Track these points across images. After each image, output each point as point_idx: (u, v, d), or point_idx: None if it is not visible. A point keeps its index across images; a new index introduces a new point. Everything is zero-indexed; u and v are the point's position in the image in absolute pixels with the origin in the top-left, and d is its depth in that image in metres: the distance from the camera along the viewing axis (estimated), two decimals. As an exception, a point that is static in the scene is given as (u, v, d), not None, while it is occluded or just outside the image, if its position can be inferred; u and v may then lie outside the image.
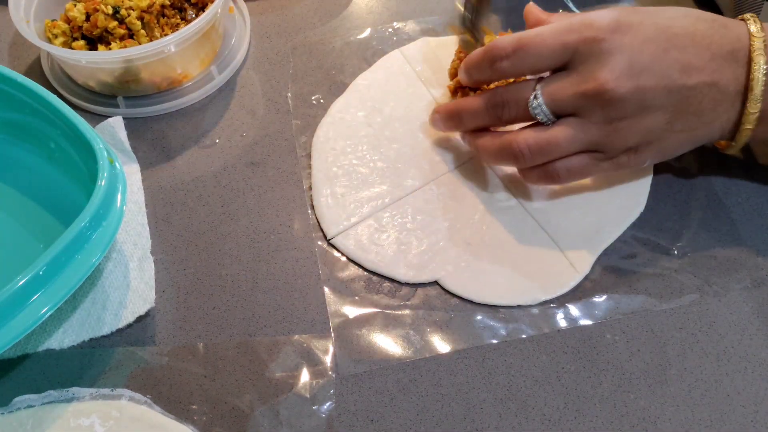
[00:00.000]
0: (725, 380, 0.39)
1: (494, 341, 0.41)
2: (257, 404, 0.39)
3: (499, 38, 0.41)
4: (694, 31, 0.39)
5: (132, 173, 0.48)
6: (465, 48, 0.49)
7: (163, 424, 0.38)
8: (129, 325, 0.41)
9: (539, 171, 0.42)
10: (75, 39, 0.51)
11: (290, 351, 0.41)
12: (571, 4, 0.58)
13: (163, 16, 0.52)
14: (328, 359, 0.40)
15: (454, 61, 0.51)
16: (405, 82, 0.53)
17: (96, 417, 0.37)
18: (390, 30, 0.57)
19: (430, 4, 0.59)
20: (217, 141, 0.51)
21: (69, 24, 0.51)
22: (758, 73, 0.38)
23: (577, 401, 0.39)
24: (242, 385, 0.39)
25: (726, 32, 0.39)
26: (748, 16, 0.40)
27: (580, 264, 0.43)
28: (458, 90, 0.49)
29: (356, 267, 0.44)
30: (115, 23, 0.50)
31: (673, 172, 0.48)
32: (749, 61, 0.38)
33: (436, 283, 0.43)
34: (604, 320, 0.42)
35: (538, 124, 0.41)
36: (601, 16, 0.39)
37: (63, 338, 0.41)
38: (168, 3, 0.52)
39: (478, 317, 0.42)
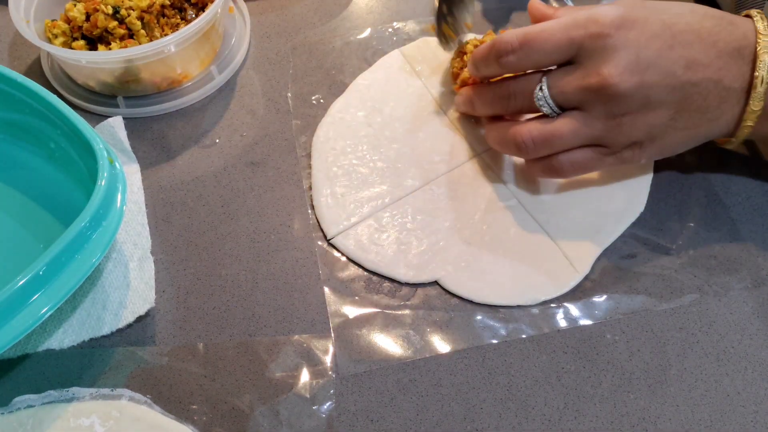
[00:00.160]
0: (725, 380, 0.39)
1: (494, 341, 0.41)
2: (257, 404, 0.39)
3: (505, 33, 0.41)
4: (700, 27, 0.39)
5: (132, 173, 0.48)
6: (441, 43, 0.50)
7: (163, 424, 0.38)
8: (129, 325, 0.41)
9: (543, 164, 0.43)
10: (75, 39, 0.51)
11: (290, 351, 0.41)
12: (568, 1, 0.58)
13: (163, 16, 0.52)
14: (328, 359, 0.40)
15: (453, 60, 0.51)
16: (405, 82, 0.53)
17: (96, 417, 0.37)
18: (390, 30, 0.57)
19: (430, 4, 0.59)
20: (217, 141, 0.51)
21: (69, 24, 0.51)
22: (762, 71, 0.38)
23: (577, 401, 0.39)
24: (242, 385, 0.39)
25: (733, 29, 0.39)
26: (754, 12, 0.40)
27: (580, 264, 0.43)
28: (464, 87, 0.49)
29: (356, 267, 0.44)
30: (115, 23, 0.50)
31: (673, 172, 0.48)
32: (755, 59, 0.38)
33: (436, 283, 0.43)
34: (604, 320, 0.42)
35: (543, 116, 0.42)
36: (607, 11, 0.39)
37: (63, 338, 0.41)
38: (168, 3, 0.52)
39: (478, 317, 0.42)
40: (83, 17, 0.50)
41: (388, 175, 0.48)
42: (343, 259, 0.44)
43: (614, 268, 0.44)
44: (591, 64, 0.39)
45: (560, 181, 0.47)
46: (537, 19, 0.44)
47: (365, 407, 0.39)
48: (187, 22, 0.53)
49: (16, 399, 0.38)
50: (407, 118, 0.51)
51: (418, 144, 0.49)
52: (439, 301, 0.43)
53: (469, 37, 0.54)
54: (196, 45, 0.51)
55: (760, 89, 0.38)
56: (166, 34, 0.52)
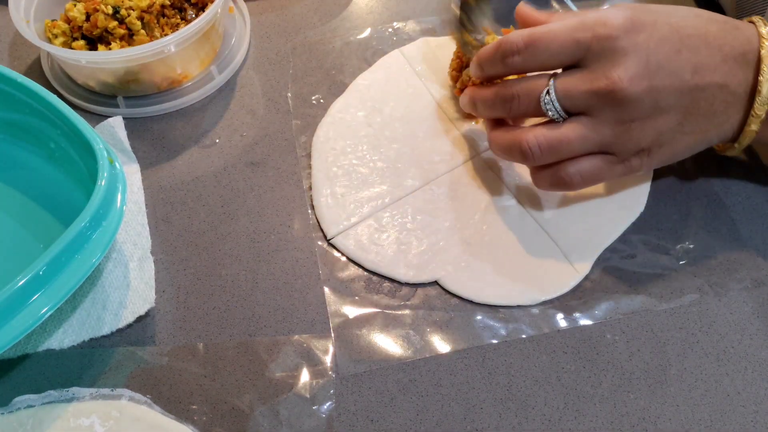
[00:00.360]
0: (725, 380, 0.39)
1: (494, 341, 0.41)
2: (257, 404, 0.39)
3: (511, 33, 0.41)
4: (706, 32, 0.39)
5: (132, 173, 0.48)
6: (465, 51, 0.49)
7: (163, 424, 0.38)
8: (129, 325, 0.41)
9: (551, 175, 0.41)
10: (75, 39, 0.51)
11: (290, 351, 0.41)
12: (569, 2, 0.58)
13: (163, 16, 0.53)
14: (328, 359, 0.40)
15: (453, 60, 0.51)
16: (405, 82, 0.53)
17: (96, 417, 0.37)
18: (390, 30, 0.57)
19: (430, 4, 0.59)
20: (217, 141, 0.51)
21: (69, 24, 0.51)
22: (766, 76, 0.38)
23: (577, 401, 0.39)
24: (242, 385, 0.39)
25: (737, 34, 0.39)
26: (757, 18, 0.40)
27: (580, 264, 0.43)
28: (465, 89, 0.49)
29: (356, 267, 0.44)
30: (115, 23, 0.50)
31: (673, 173, 0.48)
32: (758, 63, 0.38)
33: (436, 283, 0.43)
34: (604, 320, 0.42)
35: (549, 121, 0.41)
36: (614, 14, 0.38)
37: (63, 338, 0.41)
38: (168, 3, 0.52)
39: (478, 317, 0.42)
40: (83, 17, 0.50)
41: (388, 175, 0.48)
42: (343, 259, 0.44)
43: (614, 268, 0.44)
44: (599, 67, 0.38)
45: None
46: (526, 25, 0.43)
47: (365, 407, 0.39)
48: (187, 22, 0.53)
49: (16, 399, 0.38)
50: (407, 118, 0.51)
51: (418, 144, 0.49)
52: (439, 301, 0.43)
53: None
54: (196, 45, 0.51)
55: (764, 94, 0.38)
56: (166, 34, 0.52)
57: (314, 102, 0.52)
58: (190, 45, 0.51)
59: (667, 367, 0.40)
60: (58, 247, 0.35)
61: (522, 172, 0.47)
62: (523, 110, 0.41)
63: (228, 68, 0.54)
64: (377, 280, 0.44)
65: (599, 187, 0.46)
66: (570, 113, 0.40)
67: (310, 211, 0.47)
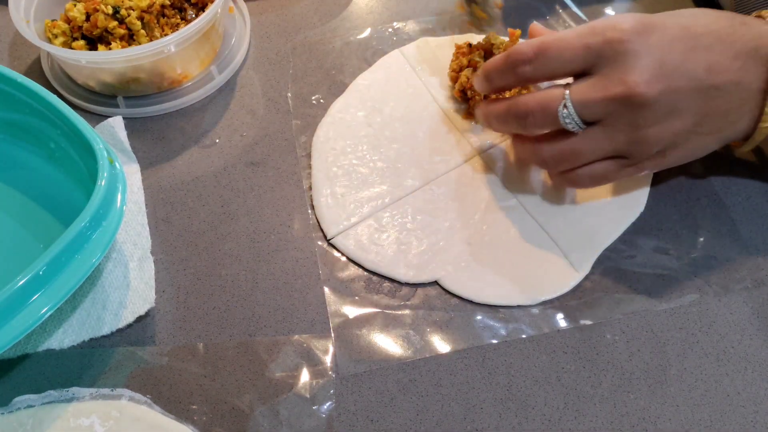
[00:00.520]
0: (725, 380, 0.39)
1: (494, 341, 0.41)
2: (257, 404, 0.39)
3: (520, 43, 0.40)
4: (716, 29, 0.38)
5: (132, 173, 0.48)
6: (477, 28, 0.48)
7: (163, 424, 0.38)
8: (129, 325, 0.41)
9: (564, 177, 0.42)
10: (75, 39, 0.51)
11: (290, 351, 0.41)
12: (571, 4, 0.58)
13: (163, 16, 0.52)
14: (328, 359, 0.40)
15: (452, 61, 0.51)
16: (405, 82, 0.53)
17: (96, 417, 0.37)
18: (390, 30, 0.57)
19: (430, 4, 0.59)
20: (217, 141, 0.51)
21: (69, 24, 0.51)
22: None
23: (577, 401, 0.39)
24: (242, 385, 0.39)
25: (747, 29, 0.38)
26: (765, 12, 0.40)
27: (580, 264, 0.43)
28: (465, 92, 0.50)
29: (356, 267, 0.44)
30: (115, 23, 0.50)
31: (674, 173, 0.48)
32: None
33: (436, 283, 0.43)
34: (604, 320, 0.42)
35: (563, 130, 0.40)
36: (624, 18, 0.38)
37: (63, 338, 0.41)
38: (168, 3, 0.52)
39: (478, 317, 0.42)
40: (83, 17, 0.50)
41: (388, 175, 0.48)
42: (343, 259, 0.44)
43: (614, 268, 0.44)
44: (613, 72, 0.37)
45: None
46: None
47: (365, 407, 0.39)
48: (187, 22, 0.53)
49: (16, 399, 0.38)
50: (407, 118, 0.51)
51: (418, 144, 0.49)
52: (439, 301, 0.43)
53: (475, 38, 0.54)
54: (196, 45, 0.51)
55: None
56: (166, 34, 0.52)
57: (314, 102, 0.52)
58: (190, 45, 0.51)
59: (667, 367, 0.40)
60: (58, 247, 0.35)
61: (522, 173, 0.47)
62: (540, 125, 0.41)
63: (228, 68, 0.54)
64: (377, 280, 0.44)
65: (599, 188, 0.46)
66: (587, 122, 0.39)
67: (310, 211, 0.47)
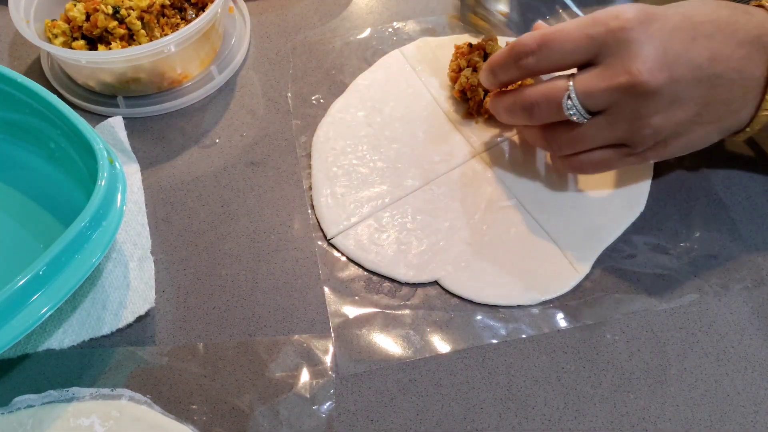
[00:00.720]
0: (725, 380, 0.39)
1: (494, 341, 0.41)
2: (257, 404, 0.39)
3: (523, 35, 0.40)
4: (717, 17, 0.38)
5: (132, 173, 0.48)
6: (473, 35, 0.48)
7: (163, 424, 0.38)
8: (129, 325, 0.41)
9: (565, 162, 0.43)
10: (75, 39, 0.51)
11: (290, 351, 0.41)
12: (571, 4, 0.58)
13: (163, 16, 0.53)
14: (328, 359, 0.40)
15: (452, 62, 0.51)
16: (405, 82, 0.53)
17: (96, 417, 0.37)
18: (390, 30, 0.57)
19: (430, 4, 0.59)
20: (217, 141, 0.51)
21: (69, 24, 0.51)
22: None
23: (577, 401, 0.39)
24: (242, 385, 0.39)
25: (749, 18, 0.38)
26: (766, 2, 0.40)
27: (580, 264, 0.43)
28: (464, 92, 0.50)
29: (356, 267, 0.44)
30: (115, 23, 0.50)
31: (674, 172, 0.48)
32: None
33: (436, 283, 0.43)
34: (604, 320, 0.41)
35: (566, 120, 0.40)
36: (625, 8, 0.38)
37: (63, 338, 0.41)
38: (168, 3, 0.52)
39: (478, 317, 0.42)
40: (83, 17, 0.50)
41: (388, 175, 0.48)
42: (343, 259, 0.44)
43: (614, 268, 0.44)
44: (617, 62, 0.37)
45: (561, 181, 0.47)
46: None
47: (365, 407, 0.39)
48: (187, 22, 0.53)
49: (16, 399, 0.38)
50: (407, 118, 0.51)
51: (418, 144, 0.49)
52: (439, 301, 0.43)
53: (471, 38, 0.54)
54: (196, 45, 0.51)
55: None
56: (166, 34, 0.52)
57: (314, 102, 0.52)
58: (190, 45, 0.51)
59: (667, 367, 0.40)
60: (58, 247, 0.35)
61: (522, 173, 0.47)
62: (545, 116, 0.41)
63: (228, 68, 0.54)
64: (377, 280, 0.44)
65: (599, 188, 0.46)
66: (591, 112, 0.39)
67: (310, 211, 0.47)
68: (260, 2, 0.59)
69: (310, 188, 0.48)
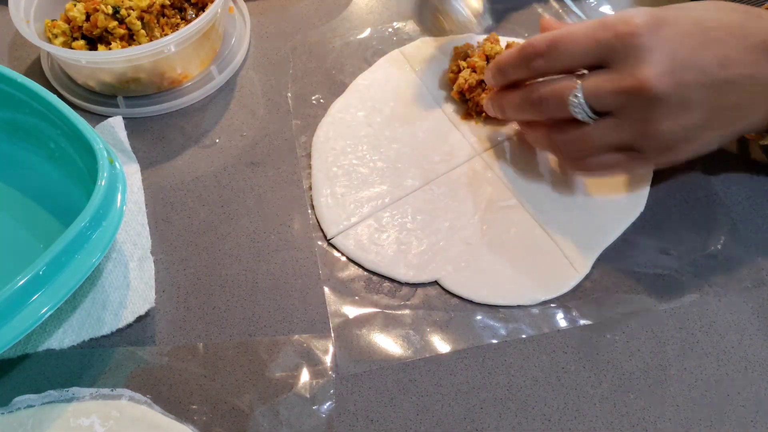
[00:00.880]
0: (725, 380, 0.39)
1: (494, 341, 0.41)
2: (257, 404, 0.39)
3: (533, 37, 0.41)
4: (729, 22, 0.38)
5: (132, 173, 0.48)
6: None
7: (163, 424, 0.38)
8: (129, 325, 0.41)
9: (572, 164, 0.43)
10: (75, 39, 0.51)
11: (290, 351, 0.41)
12: (571, 4, 0.58)
13: (163, 16, 0.52)
14: (328, 359, 0.40)
15: (452, 63, 0.51)
16: (405, 82, 0.53)
17: (96, 417, 0.37)
18: (390, 30, 0.57)
19: (430, 3, 0.59)
20: (217, 141, 0.51)
21: (69, 24, 0.51)
22: None
23: (577, 401, 0.39)
24: (242, 385, 0.39)
25: (760, 22, 0.38)
26: None
27: (580, 264, 0.43)
28: (463, 92, 0.50)
29: (356, 267, 0.44)
30: (115, 23, 0.50)
31: (674, 173, 0.48)
32: None
33: (436, 283, 0.43)
34: (604, 320, 0.41)
35: (576, 120, 0.40)
36: (635, 12, 0.38)
37: (63, 338, 0.41)
38: (168, 3, 0.52)
39: (478, 317, 0.42)
40: (83, 17, 0.50)
41: (388, 175, 0.48)
42: (343, 259, 0.44)
43: (614, 268, 0.44)
44: (625, 66, 0.37)
45: (561, 181, 0.47)
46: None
47: (365, 407, 0.39)
48: (187, 22, 0.53)
49: (16, 399, 0.38)
50: (407, 118, 0.51)
51: (418, 144, 0.49)
52: (439, 301, 0.43)
53: (470, 38, 0.54)
54: (196, 45, 0.51)
55: None
56: (166, 34, 0.52)
57: (314, 102, 0.52)
58: (190, 45, 0.51)
59: (667, 367, 0.40)
60: (58, 247, 0.35)
61: (522, 173, 0.47)
62: (551, 113, 0.41)
63: (228, 68, 0.54)
64: (377, 280, 0.44)
65: (599, 188, 0.46)
66: (598, 113, 0.39)
67: (310, 211, 0.47)
68: (260, 2, 0.59)
69: (310, 188, 0.48)
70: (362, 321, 0.42)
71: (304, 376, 0.40)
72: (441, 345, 0.41)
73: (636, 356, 0.40)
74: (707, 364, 0.40)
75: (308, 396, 0.39)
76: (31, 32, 0.49)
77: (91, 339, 0.41)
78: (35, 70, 0.55)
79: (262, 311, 0.42)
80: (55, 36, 0.51)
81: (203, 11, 0.53)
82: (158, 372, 0.40)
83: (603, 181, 0.47)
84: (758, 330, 0.41)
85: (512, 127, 0.50)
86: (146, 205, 0.47)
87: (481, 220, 0.45)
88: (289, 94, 0.53)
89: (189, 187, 0.48)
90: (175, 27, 0.53)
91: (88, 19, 0.50)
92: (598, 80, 0.38)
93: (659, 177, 0.47)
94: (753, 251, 0.44)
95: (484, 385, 0.39)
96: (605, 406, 0.38)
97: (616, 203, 0.46)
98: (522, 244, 0.44)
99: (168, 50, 0.49)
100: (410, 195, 0.47)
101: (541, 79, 0.42)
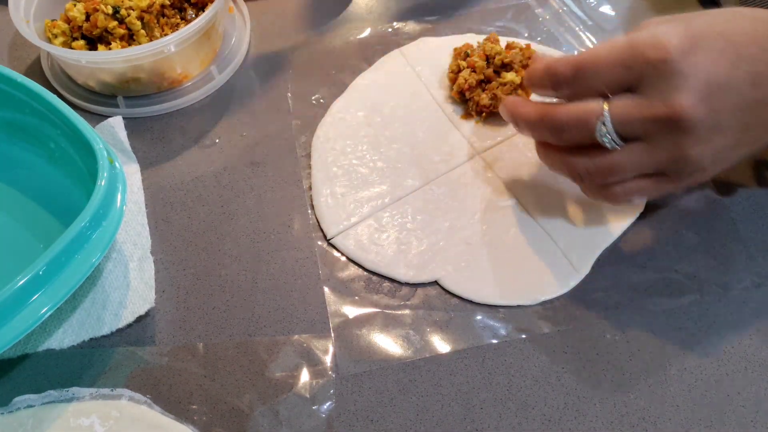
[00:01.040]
0: (725, 380, 0.39)
1: (494, 341, 0.41)
2: (257, 404, 0.39)
3: (557, 60, 0.38)
4: (755, 34, 0.36)
5: (132, 173, 0.48)
6: None
7: (162, 424, 0.38)
8: (129, 325, 0.41)
9: (598, 192, 0.40)
10: (75, 39, 0.51)
11: (290, 351, 0.41)
12: (571, 4, 0.58)
13: (163, 16, 0.53)
14: (328, 359, 0.40)
15: (451, 63, 0.51)
16: (405, 82, 0.53)
17: (96, 417, 0.37)
18: (390, 30, 0.57)
19: (430, 4, 0.59)
20: (217, 141, 0.51)
21: (69, 24, 0.51)
22: None
23: (577, 401, 0.39)
24: (242, 385, 0.39)
25: None
26: None
27: (580, 264, 0.43)
28: (463, 92, 0.50)
29: (356, 267, 0.44)
30: (115, 23, 0.50)
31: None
32: None
33: (436, 283, 0.43)
34: (604, 320, 0.41)
35: (598, 144, 0.38)
36: (665, 33, 0.35)
37: (63, 338, 0.41)
38: (168, 3, 0.52)
39: (478, 317, 0.42)
40: (83, 17, 0.50)
41: (388, 175, 0.48)
42: (343, 259, 0.44)
43: (614, 268, 0.44)
44: (656, 93, 0.35)
45: (560, 181, 0.47)
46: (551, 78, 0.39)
47: (365, 407, 0.39)
48: (187, 22, 0.53)
49: (16, 399, 0.38)
50: (407, 118, 0.51)
51: (418, 144, 0.49)
52: (439, 301, 0.43)
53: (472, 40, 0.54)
54: (196, 45, 0.51)
55: None
56: (166, 34, 0.52)
57: (314, 102, 0.52)
58: (190, 45, 0.51)
59: (667, 367, 0.40)
60: (58, 247, 0.35)
61: (522, 173, 0.47)
62: (575, 140, 0.39)
63: (228, 68, 0.54)
64: (377, 280, 0.44)
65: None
66: (625, 139, 0.37)
67: (310, 211, 0.47)
68: (260, 2, 0.59)
69: (310, 188, 0.48)
70: (362, 321, 0.42)
71: (304, 376, 0.40)
72: (441, 345, 0.41)
73: (636, 356, 0.40)
74: (707, 364, 0.40)
75: (308, 396, 0.39)
76: (31, 32, 0.49)
77: (91, 339, 0.41)
78: (35, 70, 0.55)
79: (262, 311, 0.42)
80: (55, 36, 0.51)
81: (203, 11, 0.53)
82: (158, 372, 0.40)
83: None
84: (758, 330, 0.41)
85: (512, 127, 0.50)
86: (146, 205, 0.47)
87: (481, 220, 0.45)
88: (289, 94, 0.53)
89: (189, 187, 0.48)
90: (175, 27, 0.53)
91: (88, 19, 0.50)
92: (627, 106, 0.36)
93: (659, 177, 0.47)
94: (753, 251, 0.44)
95: (484, 385, 0.39)
96: (605, 406, 0.38)
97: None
98: (522, 244, 0.44)
99: (168, 50, 0.49)
100: (410, 195, 0.47)
101: (556, 100, 0.40)
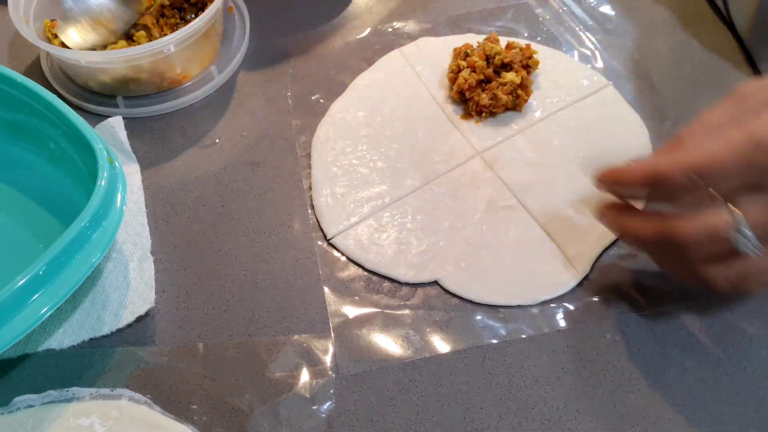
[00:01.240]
0: (725, 380, 0.39)
1: (494, 341, 0.41)
2: (257, 404, 0.39)
3: (663, 163, 0.35)
4: None
5: (132, 173, 0.48)
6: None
7: (163, 424, 0.38)
8: (129, 325, 0.41)
9: (733, 291, 0.37)
10: (75, 39, 0.51)
11: (290, 351, 0.41)
12: (571, 3, 0.58)
13: (163, 16, 0.53)
14: (328, 359, 0.40)
15: (451, 63, 0.51)
16: (405, 82, 0.53)
17: (96, 417, 0.37)
18: (390, 30, 0.57)
19: (430, 4, 0.59)
20: (217, 141, 0.51)
21: (69, 24, 0.51)
22: None
23: (577, 401, 0.39)
24: (242, 385, 0.39)
25: None
26: None
27: (580, 264, 0.43)
28: (463, 93, 0.50)
29: (356, 267, 0.44)
30: (115, 23, 0.50)
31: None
32: None
33: (436, 283, 0.43)
34: (604, 320, 0.41)
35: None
36: None
37: (63, 338, 0.41)
38: (168, 3, 0.52)
39: (478, 317, 0.42)
40: (83, 17, 0.50)
41: (388, 175, 0.48)
42: (343, 259, 0.44)
43: (614, 268, 0.44)
44: None
45: (560, 181, 0.47)
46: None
47: (365, 407, 0.39)
48: (187, 22, 0.53)
49: (16, 399, 0.38)
50: (407, 118, 0.51)
51: (418, 144, 0.49)
52: (439, 301, 0.43)
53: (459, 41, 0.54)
54: (195, 45, 0.51)
55: None
56: (165, 34, 0.52)
57: (314, 102, 0.52)
58: (189, 45, 0.51)
59: (667, 367, 0.40)
60: (58, 247, 0.35)
61: (521, 173, 0.47)
62: (707, 254, 0.35)
63: (228, 68, 0.54)
64: (377, 280, 0.44)
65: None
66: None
67: (310, 211, 0.47)
68: (260, 2, 0.59)
69: (310, 188, 0.48)
70: (362, 321, 0.42)
71: (304, 376, 0.40)
72: (441, 345, 0.41)
73: (636, 356, 0.40)
74: (707, 364, 0.40)
75: (308, 396, 0.39)
76: (30, 32, 0.49)
77: (91, 339, 0.41)
78: (35, 70, 0.55)
79: (262, 311, 0.42)
80: (55, 36, 0.51)
81: (203, 11, 0.53)
82: (158, 372, 0.40)
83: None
84: (758, 330, 0.41)
85: (512, 127, 0.50)
86: (146, 205, 0.47)
87: (481, 220, 0.45)
88: (289, 94, 0.53)
89: (189, 187, 0.48)
90: (174, 27, 0.53)
91: (88, 19, 0.50)
92: (762, 209, 0.33)
93: (659, 177, 0.47)
94: (753, 251, 0.44)
95: (484, 385, 0.39)
96: (605, 406, 0.38)
97: (616, 203, 0.46)
98: (522, 244, 0.44)
99: (168, 50, 0.49)
100: (410, 195, 0.47)
101: (662, 207, 0.37)
